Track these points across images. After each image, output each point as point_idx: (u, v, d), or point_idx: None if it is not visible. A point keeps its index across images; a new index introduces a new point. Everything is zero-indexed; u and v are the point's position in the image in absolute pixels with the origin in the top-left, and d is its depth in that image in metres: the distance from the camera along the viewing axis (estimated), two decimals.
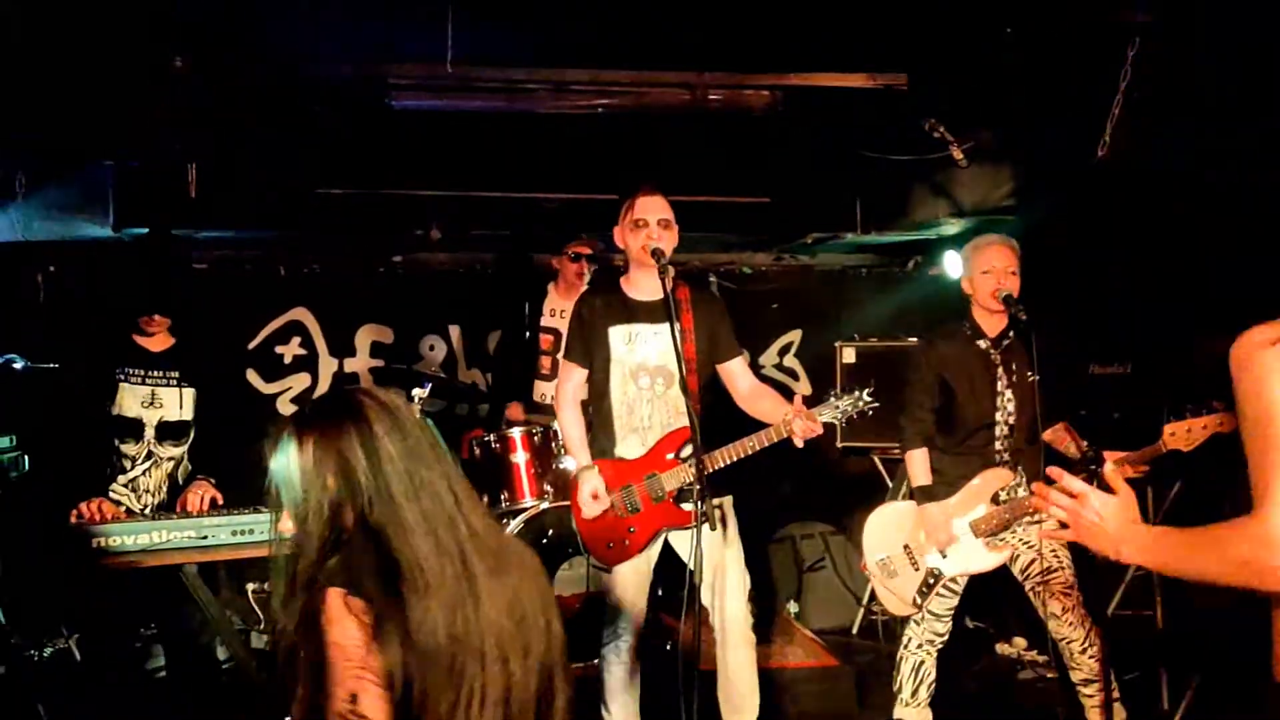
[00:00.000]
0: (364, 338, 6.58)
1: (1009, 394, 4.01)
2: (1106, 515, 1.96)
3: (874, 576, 4.24)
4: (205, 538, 3.61)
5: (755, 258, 6.90)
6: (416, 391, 4.63)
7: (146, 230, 5.25)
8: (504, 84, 4.22)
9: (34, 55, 4.02)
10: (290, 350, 6.49)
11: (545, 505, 4.98)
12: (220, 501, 3.96)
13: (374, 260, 6.59)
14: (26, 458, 4.45)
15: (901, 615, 4.18)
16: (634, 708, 3.91)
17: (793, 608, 5.99)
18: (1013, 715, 4.76)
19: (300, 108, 4.64)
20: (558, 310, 5.63)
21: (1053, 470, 2.11)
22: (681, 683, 3.49)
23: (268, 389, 6.45)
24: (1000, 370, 4.02)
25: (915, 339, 5.79)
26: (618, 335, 3.84)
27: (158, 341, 4.04)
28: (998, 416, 4.02)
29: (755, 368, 6.63)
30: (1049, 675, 5.04)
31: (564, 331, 5.60)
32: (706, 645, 3.59)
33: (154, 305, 3.97)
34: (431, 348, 6.63)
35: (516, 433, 5.05)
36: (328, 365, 6.54)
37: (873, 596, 5.94)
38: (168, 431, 4.04)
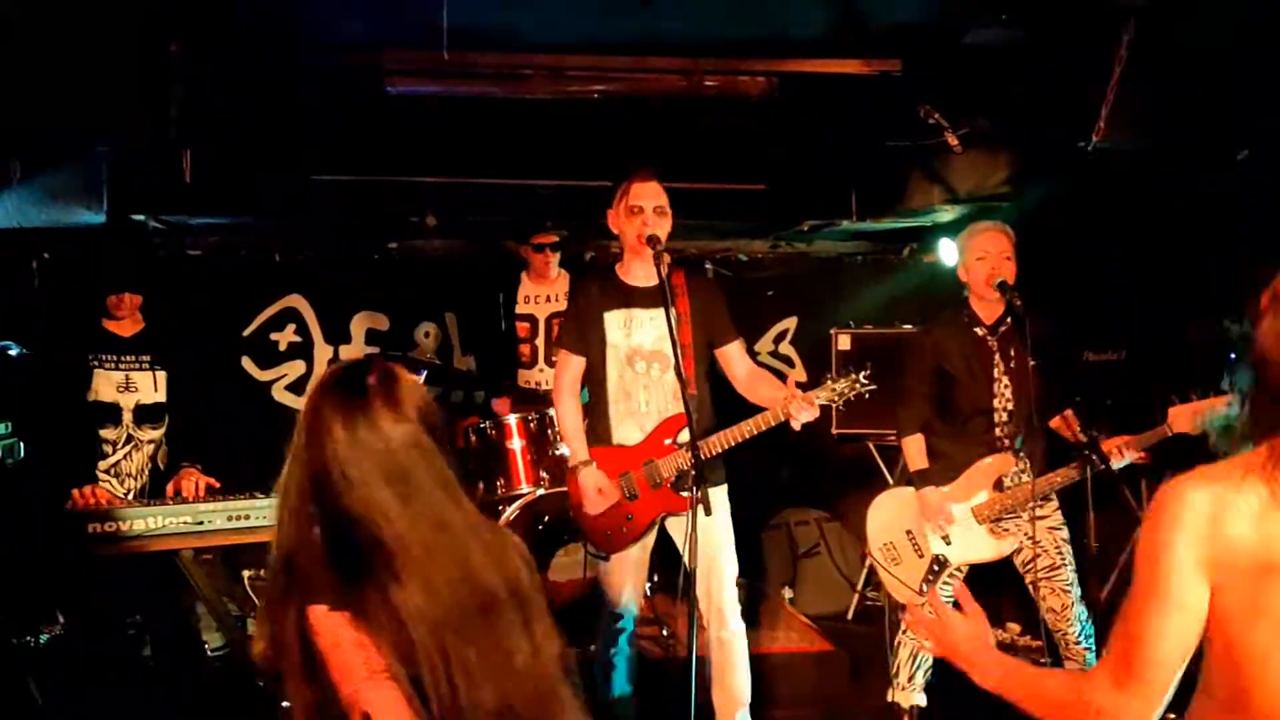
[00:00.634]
0: (359, 325, 6.57)
1: (1006, 380, 4.02)
2: (958, 637, 1.96)
3: (878, 563, 4.24)
4: (201, 523, 3.61)
5: (751, 245, 6.89)
6: None
7: (143, 217, 5.25)
8: (500, 70, 4.20)
9: (28, 41, 4.01)
10: (285, 337, 6.48)
11: (541, 491, 4.98)
12: (218, 486, 3.96)
13: (369, 247, 6.58)
14: (22, 444, 4.45)
15: (905, 602, 4.18)
16: (629, 693, 3.92)
17: (787, 593, 6.01)
18: (1006, 701, 4.76)
19: (296, 94, 4.63)
20: (531, 297, 5.67)
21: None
22: (677, 668, 3.50)
23: (263, 376, 6.44)
24: (997, 356, 4.03)
25: (910, 326, 5.81)
26: (613, 321, 3.84)
27: (128, 325, 4.05)
28: (995, 403, 4.03)
29: (751, 355, 6.60)
30: (1042, 661, 5.07)
31: (539, 318, 5.64)
32: (699, 630, 3.60)
33: (121, 284, 3.97)
34: (426, 334, 6.62)
35: (512, 419, 5.06)
36: (323, 352, 6.53)
37: (867, 582, 5.97)
38: (145, 415, 4.05)
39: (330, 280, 6.52)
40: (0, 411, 4.22)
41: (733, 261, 6.87)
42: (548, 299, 5.64)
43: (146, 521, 3.59)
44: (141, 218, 5.54)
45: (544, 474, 5.01)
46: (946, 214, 5.79)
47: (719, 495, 3.82)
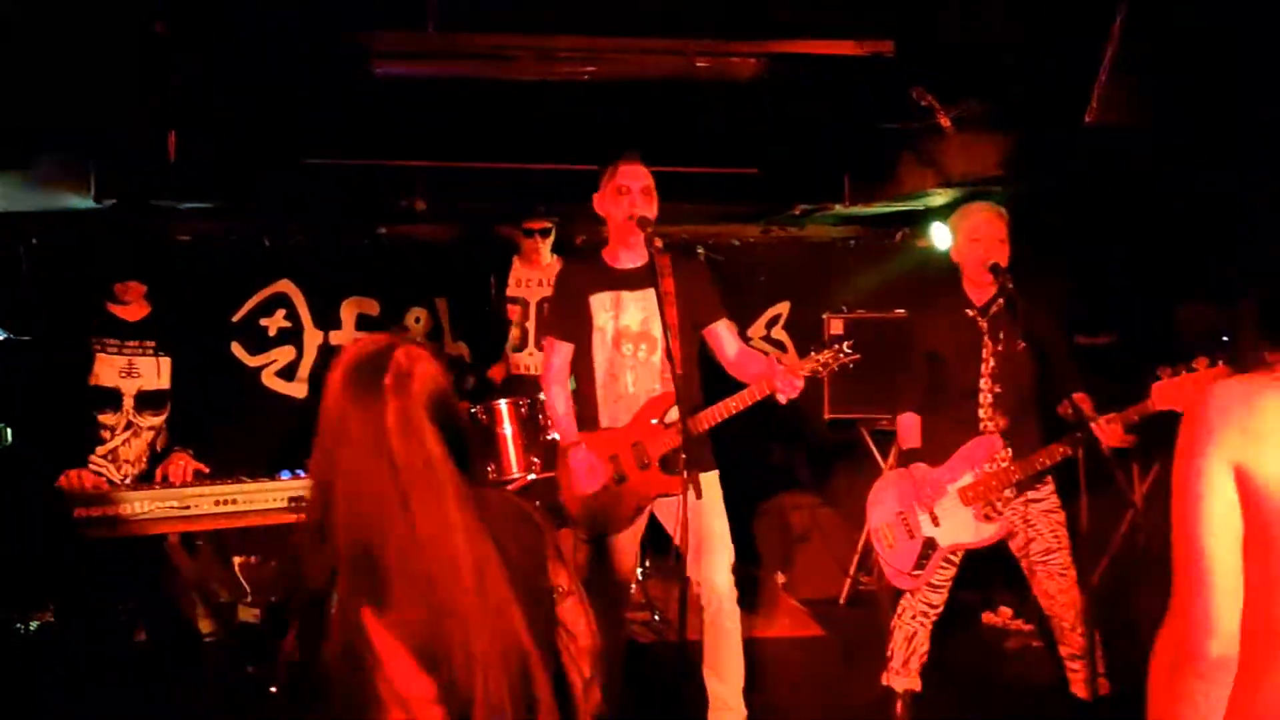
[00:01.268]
0: (349, 310, 6.55)
1: (993, 362, 4.00)
2: None
3: (875, 546, 4.26)
4: (188, 508, 3.60)
5: (743, 230, 6.87)
6: None
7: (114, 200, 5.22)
8: (488, 51, 4.17)
9: (11, 25, 3.96)
10: (275, 323, 6.46)
11: (533, 477, 4.97)
12: (206, 472, 3.94)
13: (359, 232, 6.55)
14: (9, 430, 4.42)
15: (903, 587, 4.17)
16: (619, 678, 3.91)
17: (781, 578, 6.02)
18: (999, 684, 4.78)
19: (283, 77, 4.59)
20: (523, 280, 5.68)
21: None
22: (669, 652, 3.49)
23: (252, 362, 6.42)
24: (986, 338, 4.01)
25: (903, 311, 5.80)
26: (599, 303, 3.83)
27: (133, 311, 4.02)
28: (981, 384, 4.01)
29: (743, 340, 6.63)
30: (1035, 644, 5.08)
31: (530, 301, 5.64)
32: (692, 615, 3.59)
33: (129, 272, 3.94)
34: (417, 320, 6.60)
35: (503, 405, 5.04)
36: (313, 338, 6.50)
37: (860, 566, 5.98)
38: (146, 401, 4.02)
39: (320, 265, 6.50)
40: None
41: (724, 246, 6.85)
42: (539, 283, 5.64)
43: (133, 506, 3.58)
44: (165, 204, 5.51)
45: (535, 459, 5.00)
46: (939, 198, 5.77)
47: (709, 479, 3.80)
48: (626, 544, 3.84)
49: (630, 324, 3.81)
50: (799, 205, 6.18)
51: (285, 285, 6.47)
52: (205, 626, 4.28)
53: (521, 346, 5.69)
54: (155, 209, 5.76)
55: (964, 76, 4.44)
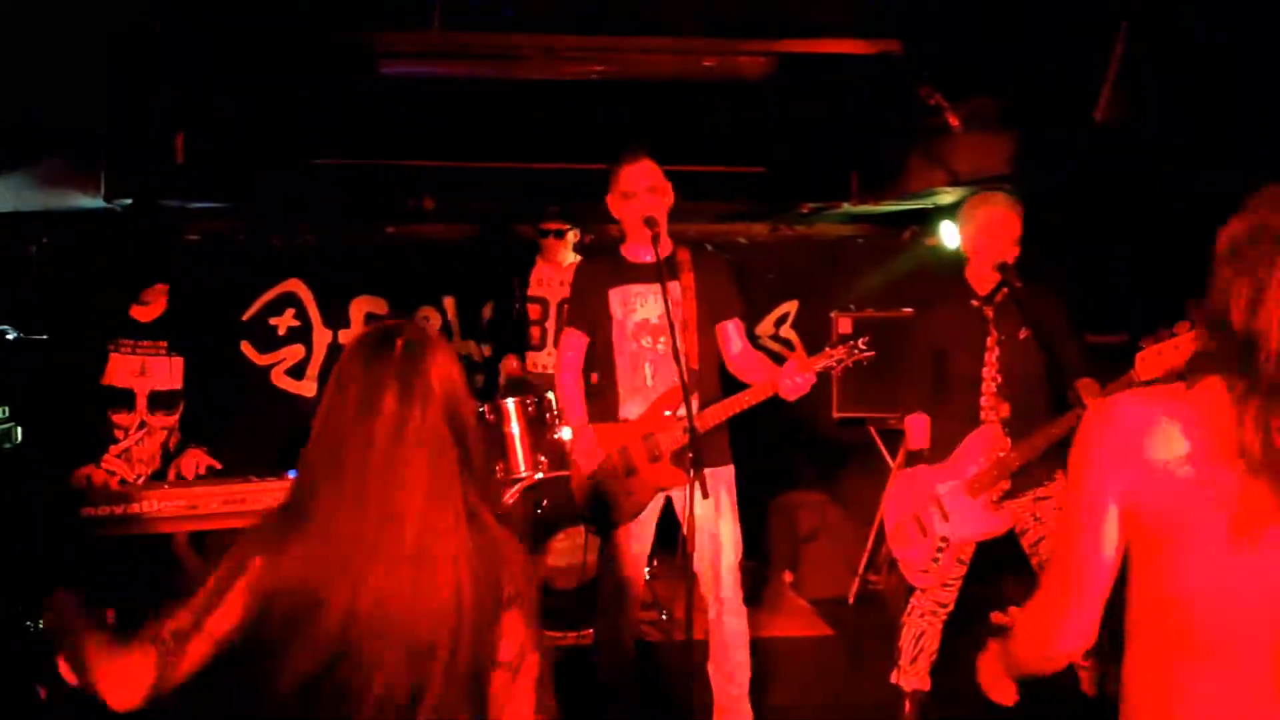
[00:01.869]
0: (358, 309, 6.56)
1: (998, 350, 3.98)
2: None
3: (892, 546, 4.23)
4: (196, 507, 3.61)
5: (751, 228, 6.87)
6: None
7: (131, 201, 5.23)
8: (495, 50, 4.17)
9: (17, 22, 3.98)
10: (284, 322, 6.47)
11: (540, 475, 4.98)
12: (218, 468, 3.95)
13: (367, 231, 6.56)
14: (19, 429, 4.44)
15: (921, 586, 4.15)
16: (629, 675, 3.91)
17: (788, 577, 6.01)
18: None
19: (290, 76, 4.60)
20: (544, 279, 5.69)
21: None
22: (677, 651, 3.49)
23: (262, 361, 6.44)
24: (991, 326, 3.99)
25: (911, 309, 5.78)
26: (617, 297, 3.85)
27: (148, 311, 4.03)
28: (984, 373, 3.99)
29: (751, 338, 6.60)
30: None
31: (551, 301, 5.64)
32: (698, 614, 3.59)
33: (152, 274, 3.96)
34: (426, 319, 6.61)
35: (510, 404, 5.05)
36: (322, 337, 6.52)
37: (869, 565, 5.97)
38: (160, 401, 4.03)
39: (329, 264, 6.52)
40: None
41: (732, 245, 6.85)
42: (560, 283, 5.64)
43: (141, 505, 3.59)
44: (174, 203, 5.52)
45: (542, 458, 5.01)
46: (947, 196, 5.76)
47: (723, 476, 3.80)
48: (635, 538, 3.84)
49: (649, 317, 3.82)
50: (807, 204, 6.18)
51: (294, 284, 6.49)
52: None
53: (541, 345, 5.69)
54: (164, 209, 5.78)
55: (972, 75, 4.43)
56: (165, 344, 4.05)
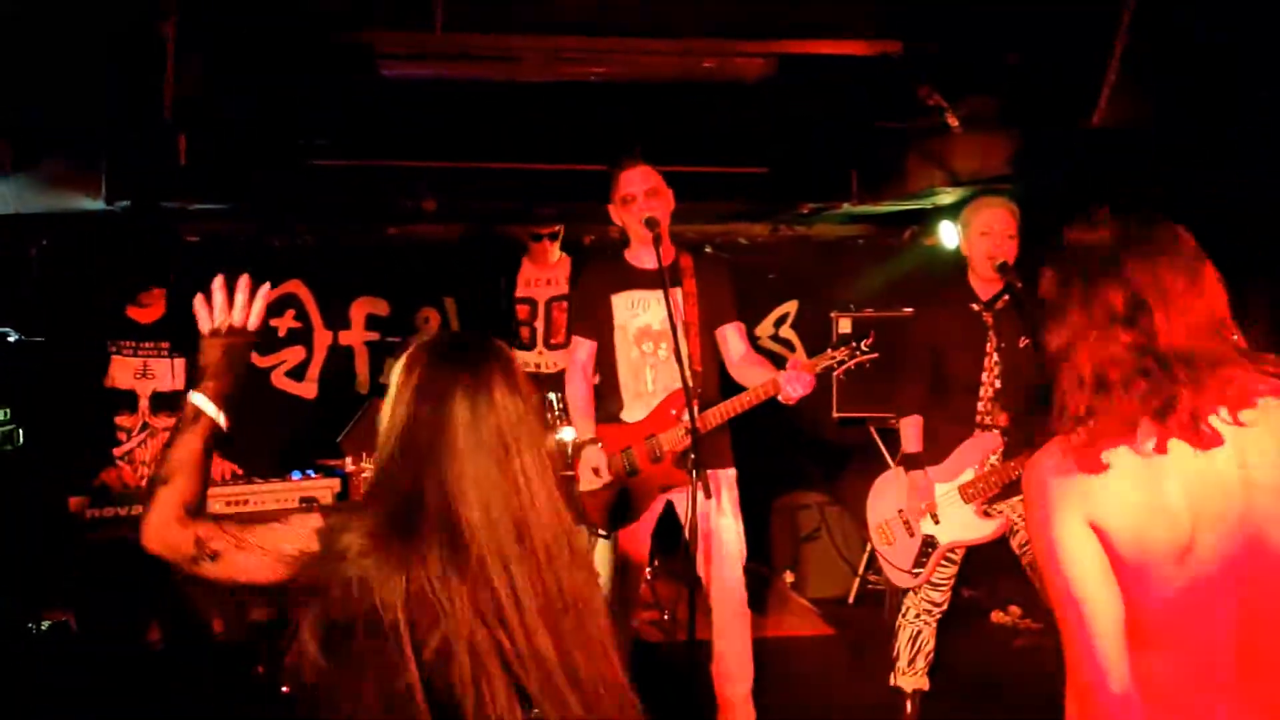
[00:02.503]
0: (358, 310, 6.57)
1: (996, 356, 3.99)
2: None
3: (875, 545, 4.25)
4: None
5: (751, 229, 6.87)
6: None
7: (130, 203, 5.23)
8: (495, 51, 4.18)
9: (17, 23, 3.98)
10: (284, 323, 6.47)
11: None
12: (240, 473, 3.96)
13: (368, 232, 6.56)
14: (20, 431, 4.44)
15: (903, 586, 4.16)
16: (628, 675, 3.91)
17: (789, 577, 6.01)
18: (1008, 683, 4.77)
19: (290, 77, 4.60)
20: (532, 280, 5.69)
21: None
22: (678, 651, 3.50)
23: (262, 363, 6.43)
24: (991, 333, 4.00)
25: (911, 309, 5.79)
26: (620, 302, 3.89)
27: (149, 313, 4.04)
28: (983, 378, 4.00)
29: (751, 339, 6.62)
30: (1044, 643, 5.07)
31: (539, 301, 5.66)
32: (701, 614, 3.60)
33: (153, 278, 3.97)
34: (427, 320, 6.61)
35: None
36: (322, 338, 6.52)
37: (869, 565, 5.98)
38: (162, 403, 4.04)
39: (329, 266, 6.52)
40: None
41: (732, 245, 6.85)
42: (547, 282, 5.66)
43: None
44: (174, 205, 5.52)
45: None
46: (947, 196, 5.76)
47: (725, 477, 3.82)
48: (637, 538, 3.86)
49: (651, 322, 3.84)
50: (807, 204, 6.17)
51: (295, 286, 6.49)
52: (217, 626, 4.30)
53: (530, 346, 5.71)
54: (164, 210, 5.78)
55: (971, 76, 4.43)
56: (167, 345, 4.05)
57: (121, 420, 3.98)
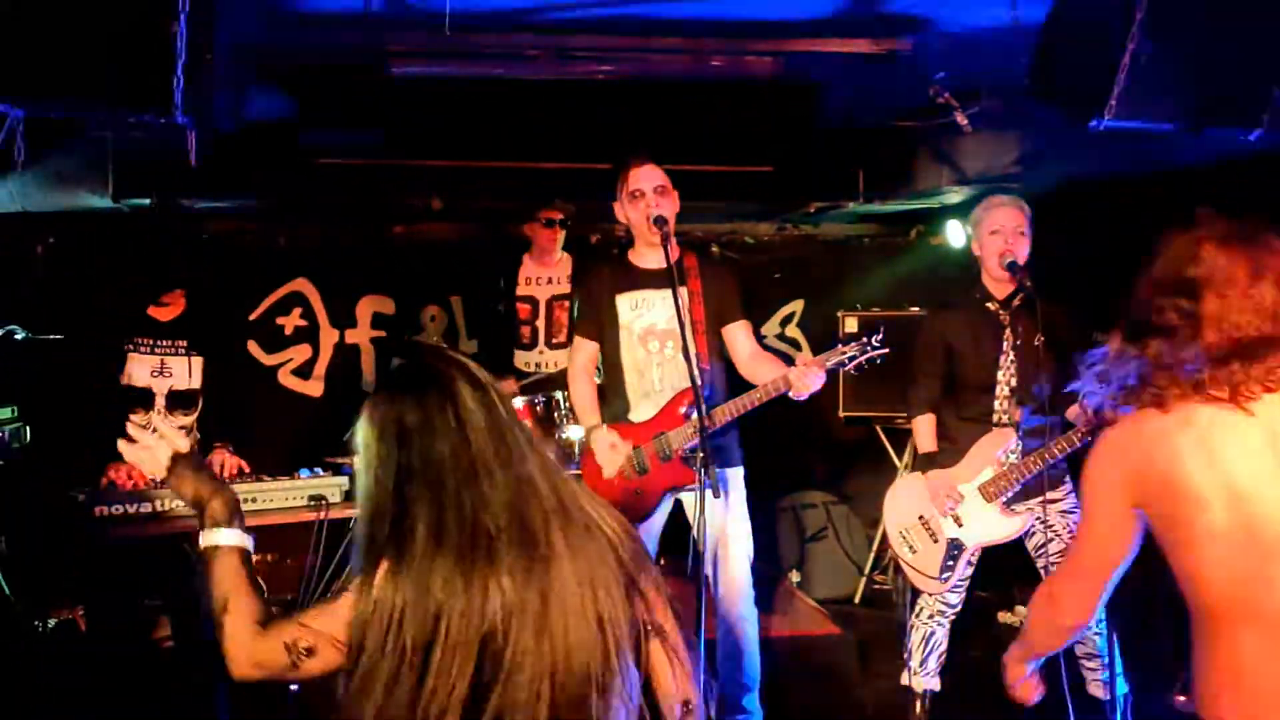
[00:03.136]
0: (365, 308, 6.57)
1: (1012, 355, 3.98)
2: None
3: (896, 553, 4.21)
4: None
5: (758, 228, 6.87)
6: None
7: (148, 201, 5.23)
8: (503, 51, 4.17)
9: (25, 19, 3.97)
10: (291, 321, 6.48)
11: None
12: (247, 470, 3.96)
13: (374, 231, 6.56)
14: (28, 429, 4.44)
15: (931, 592, 4.13)
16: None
17: (795, 577, 6.01)
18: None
19: (299, 76, 4.60)
20: (533, 279, 5.67)
21: None
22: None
23: (269, 360, 6.44)
24: (1007, 332, 4.00)
25: (918, 309, 5.79)
26: (625, 302, 3.88)
27: (168, 311, 4.04)
28: (1000, 376, 3.99)
29: (758, 338, 6.62)
30: None
31: (540, 299, 5.65)
32: (708, 614, 3.59)
33: (175, 280, 3.98)
34: (433, 318, 6.61)
35: (519, 403, 5.04)
36: (329, 336, 6.52)
37: (875, 565, 5.97)
38: (178, 401, 4.04)
39: (336, 264, 6.52)
40: (5, 395, 4.21)
41: (739, 244, 6.85)
42: (549, 280, 5.64)
43: (154, 504, 3.59)
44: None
45: (551, 457, 4.99)
46: (954, 195, 5.76)
47: (733, 476, 3.82)
48: (648, 536, 3.85)
49: (655, 322, 3.85)
50: (813, 203, 6.17)
51: (301, 284, 6.49)
52: None
53: (532, 345, 5.69)
54: (184, 209, 5.79)
55: (980, 74, 4.42)
56: (185, 343, 4.05)
57: (136, 418, 3.98)
